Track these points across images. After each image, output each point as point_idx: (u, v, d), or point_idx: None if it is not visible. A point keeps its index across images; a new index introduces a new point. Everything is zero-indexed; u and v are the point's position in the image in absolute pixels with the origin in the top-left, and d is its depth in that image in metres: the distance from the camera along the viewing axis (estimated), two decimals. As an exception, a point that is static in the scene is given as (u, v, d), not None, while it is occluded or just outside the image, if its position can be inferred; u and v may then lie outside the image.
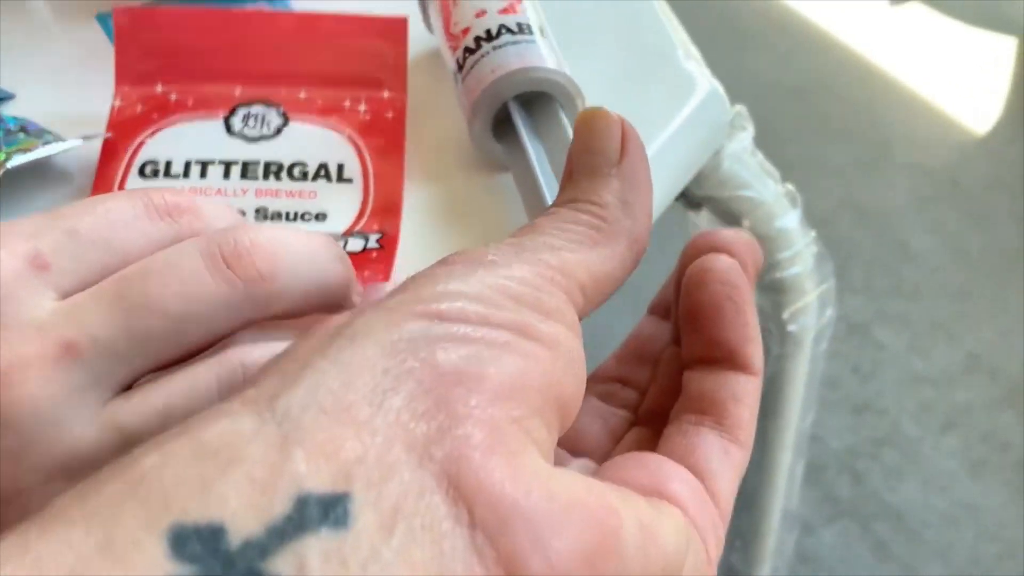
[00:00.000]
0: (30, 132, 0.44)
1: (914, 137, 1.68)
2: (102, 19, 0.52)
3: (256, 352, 0.29)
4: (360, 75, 0.47)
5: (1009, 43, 1.84)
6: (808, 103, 1.66)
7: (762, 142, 0.52)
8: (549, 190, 0.40)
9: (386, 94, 0.47)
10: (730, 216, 0.49)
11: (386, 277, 0.40)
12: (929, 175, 1.62)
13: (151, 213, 0.31)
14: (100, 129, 0.45)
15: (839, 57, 1.79)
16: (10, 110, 0.49)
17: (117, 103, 0.46)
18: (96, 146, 0.44)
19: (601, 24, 0.52)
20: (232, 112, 0.46)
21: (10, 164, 0.41)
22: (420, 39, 0.50)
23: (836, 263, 0.53)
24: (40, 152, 0.42)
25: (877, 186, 1.59)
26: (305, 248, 0.30)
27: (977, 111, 1.72)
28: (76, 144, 0.43)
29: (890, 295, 1.44)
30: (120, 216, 0.30)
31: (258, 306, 0.29)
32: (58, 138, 0.44)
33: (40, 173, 0.44)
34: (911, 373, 1.36)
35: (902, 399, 1.34)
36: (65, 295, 0.29)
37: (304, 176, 0.44)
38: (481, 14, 0.45)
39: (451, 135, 0.47)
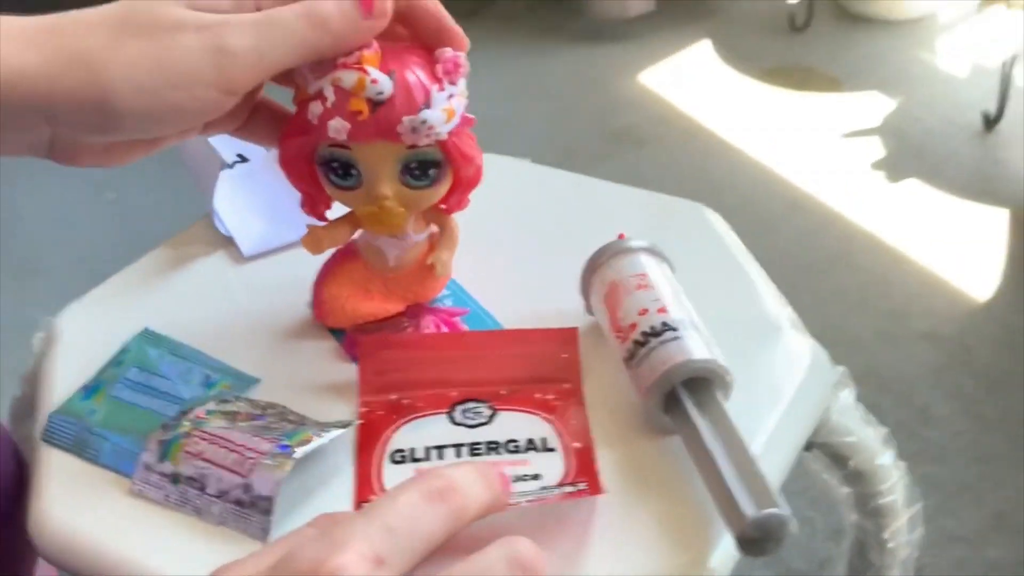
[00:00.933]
0: (305, 424, 0.57)
1: (926, 306, 1.83)
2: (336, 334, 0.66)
3: None
4: (545, 375, 0.61)
5: (1002, 214, 2.00)
6: (825, 278, 1.81)
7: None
8: (719, 458, 0.52)
9: (567, 386, 0.60)
10: (838, 457, 0.62)
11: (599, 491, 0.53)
12: (943, 342, 1.76)
13: (431, 499, 0.43)
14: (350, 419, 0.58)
15: (849, 233, 1.95)
16: (256, 394, 0.62)
17: (363, 409, 0.59)
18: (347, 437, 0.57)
19: (724, 303, 0.66)
20: (452, 408, 0.59)
21: (298, 454, 0.53)
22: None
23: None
24: (319, 443, 0.55)
25: (895, 354, 1.73)
26: None
27: (981, 279, 1.87)
28: (339, 434, 0.56)
29: (917, 459, 1.56)
30: (413, 508, 0.42)
31: None
32: (324, 429, 0.56)
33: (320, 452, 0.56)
34: (945, 533, 1.47)
35: (938, 558, 1.44)
36: None
37: (517, 450, 0.56)
38: (644, 312, 0.58)
39: (624, 401, 0.59)
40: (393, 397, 0.60)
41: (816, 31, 2.51)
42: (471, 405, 0.59)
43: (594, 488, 0.54)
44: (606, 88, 2.28)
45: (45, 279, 1.62)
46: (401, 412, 0.59)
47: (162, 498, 0.54)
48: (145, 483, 0.54)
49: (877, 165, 2.13)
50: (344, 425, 0.57)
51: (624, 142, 2.09)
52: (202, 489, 0.53)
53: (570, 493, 0.54)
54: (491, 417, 0.59)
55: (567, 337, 0.61)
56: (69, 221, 1.78)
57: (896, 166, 2.12)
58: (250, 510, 0.52)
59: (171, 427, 0.55)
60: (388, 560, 0.40)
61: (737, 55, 2.42)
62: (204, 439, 0.54)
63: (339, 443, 0.57)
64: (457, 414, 0.59)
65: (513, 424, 0.58)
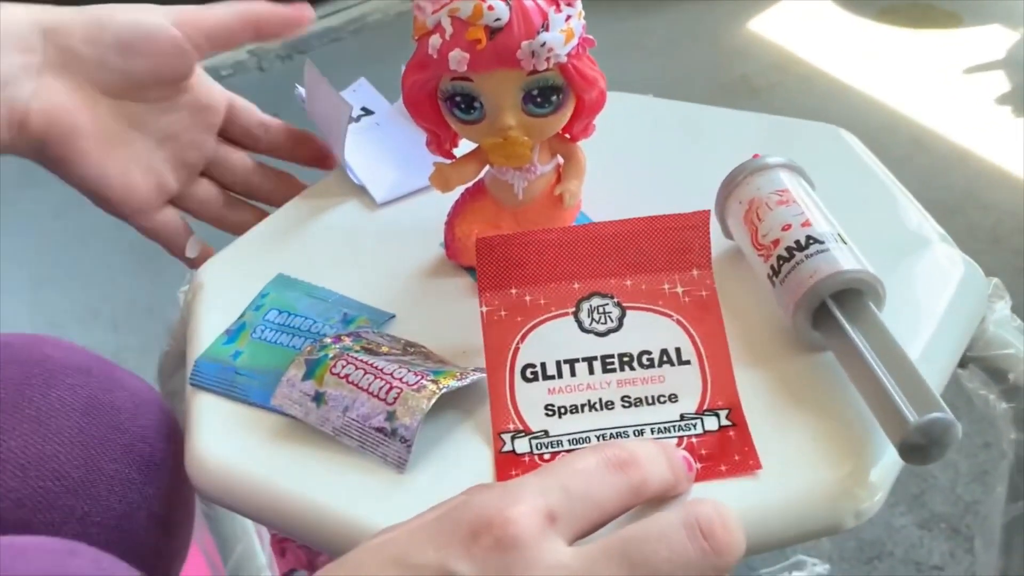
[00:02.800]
0: (447, 365, 0.57)
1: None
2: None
3: None
4: (672, 260, 0.58)
5: None
6: (956, 217, 1.75)
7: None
8: (876, 367, 0.50)
9: (695, 272, 0.58)
10: (997, 372, 0.59)
11: (757, 463, 0.51)
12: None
13: (610, 467, 0.42)
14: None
15: (978, 170, 1.87)
16: (392, 330, 0.62)
17: (484, 309, 0.58)
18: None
19: (867, 219, 0.63)
20: (578, 308, 0.57)
21: (444, 389, 0.53)
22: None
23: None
24: (464, 382, 0.54)
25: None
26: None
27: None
28: (482, 377, 0.56)
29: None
30: (590, 474, 0.42)
31: (716, 571, 0.40)
32: (467, 373, 0.56)
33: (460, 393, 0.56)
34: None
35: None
36: (569, 542, 0.40)
37: (651, 363, 0.55)
38: (787, 227, 0.56)
39: (766, 321, 0.58)
40: (515, 292, 0.58)
41: (933, -34, 2.42)
42: (597, 301, 0.58)
43: (741, 423, 0.53)
44: (715, 39, 2.24)
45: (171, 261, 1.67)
46: (525, 312, 0.57)
47: (302, 415, 0.54)
48: (287, 399, 0.55)
49: (1002, 100, 2.04)
50: (479, 371, 0.56)
51: (738, 93, 2.05)
52: (344, 412, 0.53)
53: (718, 431, 0.53)
54: (620, 320, 0.57)
55: (696, 221, 0.58)
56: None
57: (1022, 99, 2.03)
58: (391, 438, 0.52)
59: (317, 349, 0.56)
60: (561, 518, 0.40)
61: (850, -4, 2.35)
62: (350, 363, 0.54)
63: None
64: (583, 317, 0.57)
65: (643, 329, 0.56)
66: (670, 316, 0.57)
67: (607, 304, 0.58)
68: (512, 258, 0.58)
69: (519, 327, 0.58)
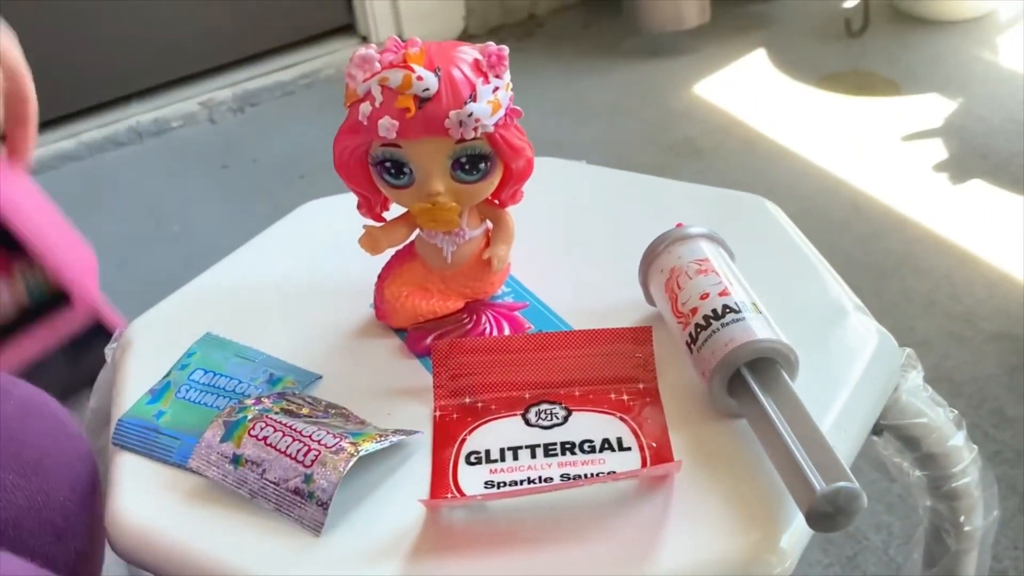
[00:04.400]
0: (367, 427, 0.57)
1: (996, 306, 1.78)
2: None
3: None
4: (619, 375, 0.60)
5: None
6: (892, 281, 1.78)
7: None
8: (786, 435, 0.51)
9: (641, 386, 0.60)
10: (910, 440, 0.61)
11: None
12: (1014, 342, 1.71)
13: None
14: (421, 428, 0.58)
15: (915, 235, 1.92)
16: (319, 391, 0.62)
17: (437, 413, 0.59)
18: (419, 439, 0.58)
19: (786, 290, 0.65)
20: (526, 410, 0.59)
21: (363, 452, 0.54)
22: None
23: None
24: (382, 444, 0.55)
25: (966, 356, 1.69)
26: None
27: (1052, 278, 1.82)
28: (402, 439, 0.56)
29: (993, 461, 1.52)
30: None
31: None
32: (394, 433, 0.56)
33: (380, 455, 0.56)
34: (1027, 536, 1.43)
35: (1019, 561, 1.40)
36: None
37: (593, 449, 0.56)
38: (705, 296, 0.58)
39: (684, 387, 0.59)
40: (467, 400, 0.60)
41: (873, 35, 2.49)
42: (545, 407, 0.59)
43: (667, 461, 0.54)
44: (662, 101, 2.28)
45: (119, 312, 1.66)
46: (476, 415, 0.59)
47: (220, 477, 0.55)
48: (205, 460, 0.55)
49: (940, 167, 2.09)
50: (409, 433, 0.57)
51: (682, 154, 2.09)
52: (262, 474, 0.53)
53: (643, 465, 0.54)
54: (565, 418, 0.58)
55: (641, 336, 0.60)
56: (136, 254, 1.82)
57: (959, 167, 2.08)
58: (307, 501, 0.53)
59: (236, 411, 0.56)
60: None
61: (793, 62, 2.40)
62: (269, 425, 0.55)
63: (412, 444, 0.57)
64: (531, 415, 0.59)
65: (588, 424, 0.57)
66: (614, 414, 0.58)
67: (555, 407, 0.59)
68: (466, 365, 0.60)
69: (468, 425, 0.59)
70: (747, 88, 2.34)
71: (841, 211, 1.94)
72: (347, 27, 2.17)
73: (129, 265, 1.76)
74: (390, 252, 0.66)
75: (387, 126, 0.57)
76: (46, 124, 1.96)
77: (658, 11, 2.34)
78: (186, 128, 2.04)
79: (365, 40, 2.15)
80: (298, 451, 0.53)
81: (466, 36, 2.21)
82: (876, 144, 2.20)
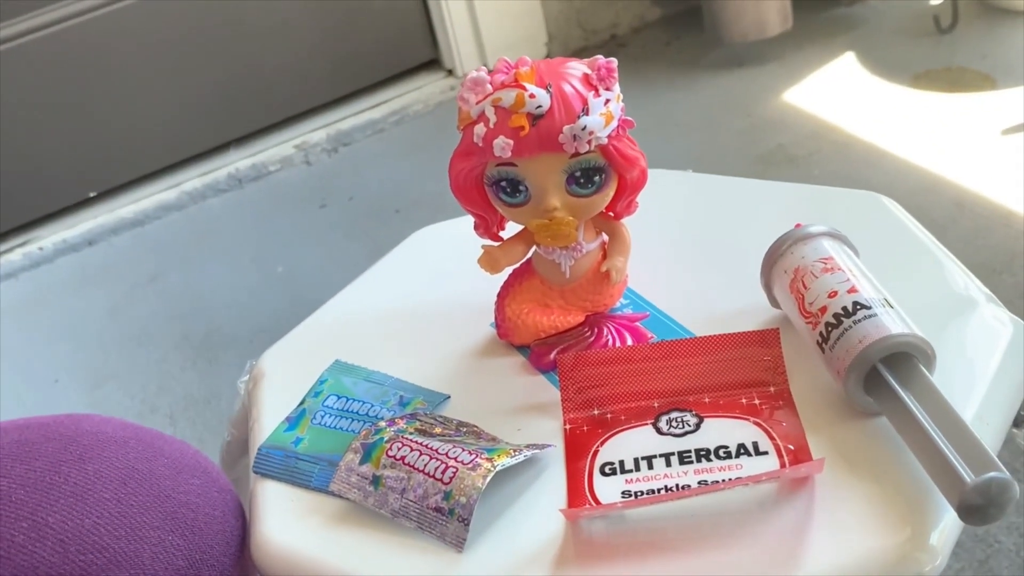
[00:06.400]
0: (499, 442, 0.58)
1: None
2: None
3: None
4: (749, 379, 0.59)
5: None
6: (1002, 277, 1.73)
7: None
8: (931, 429, 0.50)
9: (772, 389, 0.59)
10: (1053, 428, 0.59)
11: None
12: None
13: None
14: (552, 442, 0.58)
15: (1022, 229, 1.86)
16: (447, 410, 0.63)
17: (568, 427, 0.60)
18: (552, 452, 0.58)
19: (912, 283, 0.64)
20: (656, 419, 0.58)
21: (499, 466, 0.54)
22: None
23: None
24: (517, 459, 0.55)
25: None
26: None
27: None
28: (536, 454, 0.57)
29: None
30: None
31: None
32: (527, 448, 0.57)
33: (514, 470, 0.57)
34: None
35: None
36: None
37: (728, 455, 0.55)
38: (833, 294, 0.57)
39: (817, 387, 0.58)
40: (596, 412, 0.60)
41: (963, 31, 2.43)
42: (676, 414, 0.59)
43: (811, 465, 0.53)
44: (750, 112, 2.26)
45: (231, 350, 1.70)
46: (606, 426, 0.59)
47: (361, 499, 0.56)
48: (346, 483, 0.56)
49: (1044, 158, 2.03)
50: (541, 447, 0.57)
51: (776, 162, 2.06)
52: (402, 493, 0.54)
53: (786, 467, 0.53)
54: (697, 425, 0.58)
55: (769, 339, 0.60)
56: (243, 296, 1.87)
57: (1064, 157, 2.02)
58: (448, 518, 0.53)
59: (372, 433, 0.57)
60: None
61: (883, 63, 2.36)
62: (405, 445, 0.55)
63: (545, 457, 0.58)
64: (662, 424, 0.58)
65: (721, 430, 0.57)
66: (747, 419, 0.58)
67: (685, 415, 0.59)
68: (592, 378, 0.61)
69: (599, 436, 0.59)
70: (837, 92, 2.31)
71: (944, 209, 1.89)
72: (432, 62, 2.20)
73: (238, 307, 1.80)
74: (507, 270, 0.66)
75: (502, 145, 0.57)
76: (148, 176, 2.03)
77: (740, 21, 2.33)
78: (283, 171, 2.08)
79: (451, 74, 2.18)
80: (436, 469, 0.54)
81: (549, 62, 2.23)
82: (974, 140, 2.15)
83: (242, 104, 2.06)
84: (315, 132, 2.09)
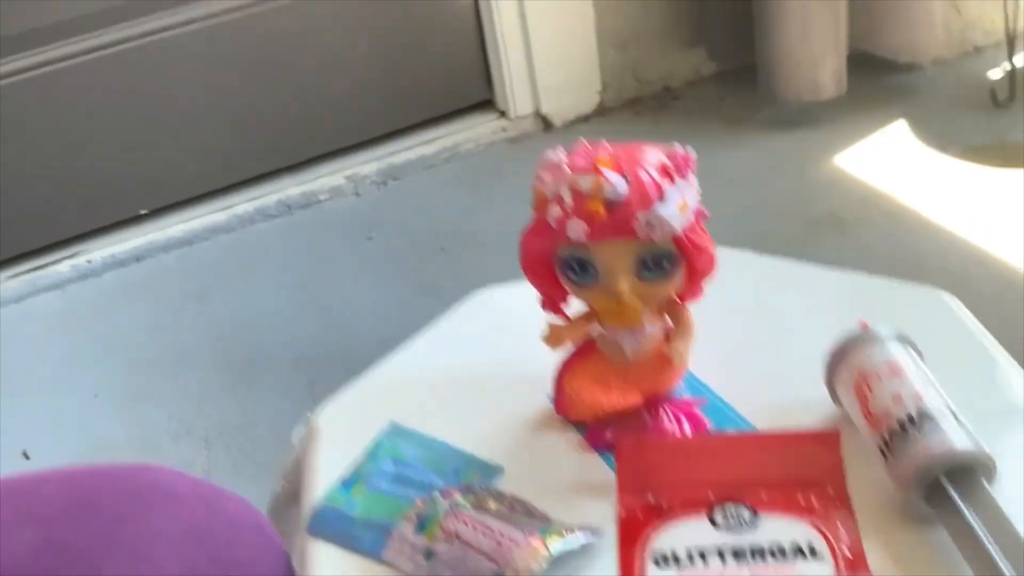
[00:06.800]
0: (552, 522, 0.58)
1: None
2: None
3: None
4: (806, 478, 0.59)
5: None
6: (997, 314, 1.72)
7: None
8: (994, 550, 0.50)
9: (830, 490, 0.59)
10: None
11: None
12: None
13: None
14: (603, 524, 0.59)
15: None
16: (500, 484, 0.63)
17: (623, 514, 0.60)
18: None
19: (972, 388, 0.63)
20: (712, 510, 0.58)
21: (555, 552, 0.54)
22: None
23: None
24: (573, 544, 0.56)
25: None
26: None
27: None
28: (591, 540, 0.57)
29: None
30: None
31: None
32: (580, 531, 0.57)
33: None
34: None
35: None
36: None
37: (783, 555, 0.55)
38: (897, 399, 0.57)
39: (875, 489, 0.58)
40: (651, 498, 0.60)
41: (1020, 106, 2.42)
42: (731, 507, 0.59)
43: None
44: (800, 174, 2.26)
45: (270, 375, 1.71)
46: (660, 515, 0.59)
47: (413, 570, 0.56)
48: (399, 553, 0.57)
49: (1096, 239, 2.01)
50: (595, 531, 0.57)
51: (823, 227, 2.06)
52: (454, 569, 0.55)
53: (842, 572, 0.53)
54: (753, 520, 0.58)
55: (829, 440, 0.60)
56: (286, 324, 1.88)
57: (1118, 240, 2.00)
58: (502, 599, 0.53)
59: (429, 504, 0.58)
60: None
61: (936, 134, 2.36)
62: (461, 520, 0.56)
63: (596, 540, 0.58)
64: (718, 517, 0.58)
65: (777, 528, 0.57)
66: (803, 519, 0.58)
67: (741, 509, 0.59)
68: (650, 463, 0.61)
69: (653, 524, 0.59)
70: (889, 160, 2.30)
71: (995, 285, 1.88)
72: (486, 102, 2.22)
73: (280, 333, 1.81)
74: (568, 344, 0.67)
75: (577, 229, 0.58)
76: (199, 197, 2.05)
77: (794, 81, 2.33)
78: (332, 201, 2.10)
79: (503, 115, 2.20)
80: (489, 548, 0.54)
81: (602, 109, 2.24)
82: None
83: (296, 132, 2.08)
84: (366, 165, 2.11)
